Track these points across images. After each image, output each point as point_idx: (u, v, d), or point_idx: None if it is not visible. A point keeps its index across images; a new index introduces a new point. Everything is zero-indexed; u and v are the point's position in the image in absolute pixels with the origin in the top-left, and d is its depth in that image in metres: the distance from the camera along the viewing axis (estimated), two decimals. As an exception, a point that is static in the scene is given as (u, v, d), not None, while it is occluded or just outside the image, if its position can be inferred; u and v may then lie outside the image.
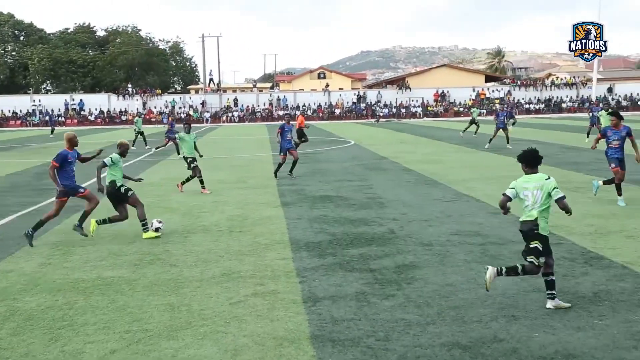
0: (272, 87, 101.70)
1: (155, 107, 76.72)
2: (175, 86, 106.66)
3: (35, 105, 75.42)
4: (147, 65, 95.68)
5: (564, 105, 75.57)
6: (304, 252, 9.31)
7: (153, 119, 73.24)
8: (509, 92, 78.56)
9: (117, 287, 7.73)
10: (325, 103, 77.77)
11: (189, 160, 16.16)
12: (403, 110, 75.53)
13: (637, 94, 76.25)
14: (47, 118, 73.29)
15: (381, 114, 71.60)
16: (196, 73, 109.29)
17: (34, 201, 14.80)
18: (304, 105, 76.86)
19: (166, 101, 77.55)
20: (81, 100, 77.46)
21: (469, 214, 12.00)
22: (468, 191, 14.85)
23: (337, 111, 75.90)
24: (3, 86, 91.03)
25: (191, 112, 75.25)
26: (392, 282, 7.67)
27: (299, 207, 13.33)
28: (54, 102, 76.92)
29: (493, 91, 79.70)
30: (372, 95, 79.98)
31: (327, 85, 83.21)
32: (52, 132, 49.18)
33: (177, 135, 17.55)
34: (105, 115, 74.61)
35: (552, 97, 77.56)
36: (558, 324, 6.08)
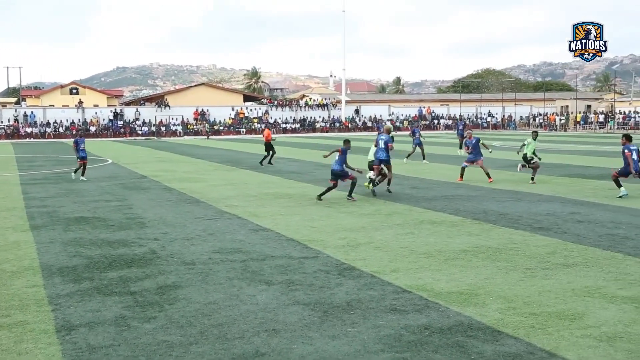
0: (17, 102, 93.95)
1: None
2: None
3: None
4: None
5: (317, 125, 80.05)
6: (57, 277, 8.72)
7: None
8: (267, 112, 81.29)
9: None
10: (79, 120, 73.83)
11: None
12: (163, 129, 74.41)
13: (380, 115, 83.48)
14: None
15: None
16: None
17: None
18: (55, 122, 72.18)
19: None
20: None
21: (230, 231, 12.16)
22: (229, 209, 15.05)
23: (93, 129, 72.44)
24: None
25: None
26: (153, 303, 7.49)
27: (51, 230, 12.47)
28: None
29: (251, 110, 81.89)
30: (130, 113, 77.66)
31: (81, 102, 79.11)
32: None
33: None
34: None
35: (307, 117, 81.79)
36: (315, 334, 6.39)
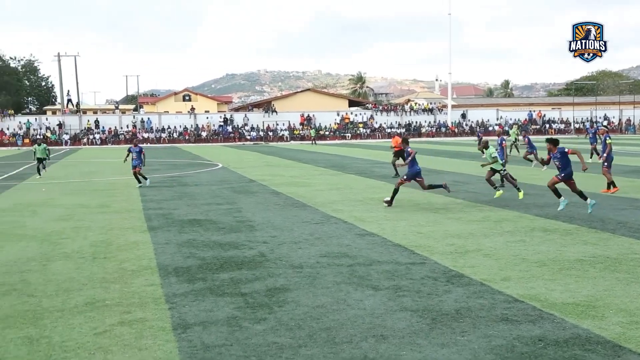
0: (135, 109, 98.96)
1: (7, 129, 72.22)
2: (30, 107, 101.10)
3: None
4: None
5: (423, 130, 79.30)
6: (172, 277, 9.09)
7: (6, 142, 68.94)
8: (372, 117, 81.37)
9: (-33, 322, 7.15)
10: (192, 125, 76.78)
11: None
12: (270, 134, 76.08)
13: (487, 120, 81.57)
14: None
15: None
16: (53, 93, 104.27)
17: None
18: (169, 128, 75.40)
19: (20, 122, 73.27)
20: None
21: (336, 235, 12.25)
22: (335, 213, 15.16)
23: (204, 134, 75.14)
24: None
25: (48, 134, 71.54)
26: (263, 305, 7.65)
27: (167, 231, 13.02)
28: None
29: (356, 115, 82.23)
30: (238, 118, 79.95)
31: (193, 108, 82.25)
32: None
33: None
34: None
35: (412, 122, 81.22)
36: (424, 342, 6.32)
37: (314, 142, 67.42)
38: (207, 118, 78.48)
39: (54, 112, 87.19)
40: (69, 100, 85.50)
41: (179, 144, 71.56)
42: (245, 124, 78.04)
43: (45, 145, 28.54)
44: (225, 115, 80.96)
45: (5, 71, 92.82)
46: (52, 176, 27.83)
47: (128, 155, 22.82)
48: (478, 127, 75.24)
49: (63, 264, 10.07)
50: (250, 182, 23.84)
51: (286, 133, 76.28)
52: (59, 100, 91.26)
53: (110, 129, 74.66)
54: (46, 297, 8.15)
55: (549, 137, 20.59)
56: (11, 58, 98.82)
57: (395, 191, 16.32)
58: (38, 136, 68.18)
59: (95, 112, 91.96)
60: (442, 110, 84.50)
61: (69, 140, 71.12)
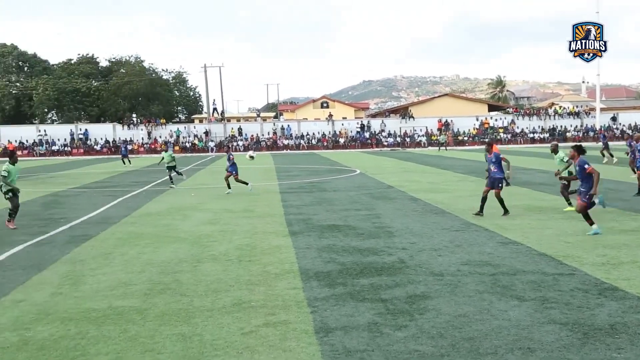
0: (275, 117, 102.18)
1: (160, 137, 77.07)
2: (180, 115, 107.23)
3: (41, 135, 75.83)
4: (151, 95, 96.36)
5: (568, 134, 75.69)
6: (314, 281, 9.27)
7: (158, 149, 73.59)
8: (513, 122, 78.79)
9: (128, 317, 7.70)
10: (329, 132, 78.07)
11: None
12: (407, 139, 75.76)
13: (641, 123, 76.38)
14: (53, 148, 73.76)
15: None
16: (200, 103, 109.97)
17: (42, 231, 14.79)
18: (308, 134, 77.15)
19: (170, 130, 77.93)
20: (86, 130, 77.88)
21: (478, 243, 11.96)
22: (476, 220, 14.82)
23: (341, 140, 76.16)
24: (9, 116, 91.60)
25: (196, 142, 75.56)
26: (404, 312, 7.62)
27: (307, 236, 13.31)
28: (60, 132, 77.32)
29: (496, 120, 79.95)
30: (375, 124, 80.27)
31: (331, 115, 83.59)
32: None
33: None
34: (111, 144, 74.90)
35: (556, 126, 77.73)
36: (575, 357, 6.02)
37: (443, 147, 65.83)
38: (342, 125, 79.41)
39: (200, 121, 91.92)
40: (215, 109, 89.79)
41: (317, 150, 72.99)
42: (382, 130, 78.23)
43: (171, 152, 27.86)
44: (362, 121, 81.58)
45: (158, 83, 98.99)
46: (200, 182, 29.35)
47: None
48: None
49: (211, 266, 10.57)
50: (388, 188, 23.84)
51: (423, 139, 75.61)
52: (205, 109, 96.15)
53: (252, 136, 77.54)
54: (197, 296, 8.60)
55: None
56: (163, 70, 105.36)
57: (483, 200, 15.64)
58: (187, 144, 72.17)
59: (238, 120, 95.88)
60: (589, 113, 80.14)
61: (214, 147, 74.66)
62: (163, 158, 27.88)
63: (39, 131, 77.14)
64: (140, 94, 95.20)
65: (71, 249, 12.32)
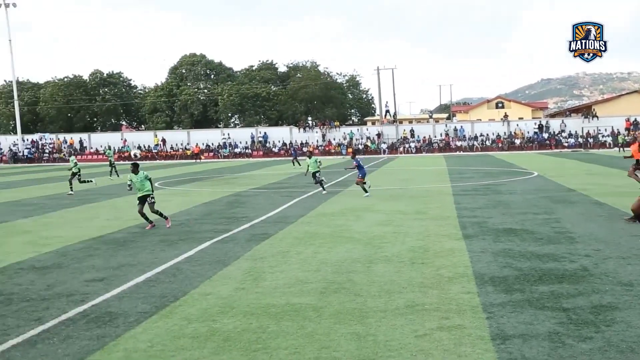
0: (448, 118, 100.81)
1: (334, 139, 79.05)
2: (353, 118, 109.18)
3: (225, 139, 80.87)
4: (326, 98, 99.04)
5: None
6: (489, 286, 9.01)
7: (332, 151, 75.53)
8: None
9: (305, 314, 7.96)
10: (505, 133, 75.56)
11: None
12: (591, 140, 71.33)
13: None
14: (236, 150, 78.37)
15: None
16: (372, 105, 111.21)
17: (226, 228, 15.72)
18: (482, 135, 75.22)
19: (344, 133, 79.63)
20: (265, 133, 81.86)
21: (673, 252, 10.97)
22: (670, 227, 13.61)
23: (517, 141, 73.41)
24: (197, 121, 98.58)
25: (368, 143, 76.57)
26: (588, 323, 7.17)
27: (482, 240, 12.96)
28: (241, 135, 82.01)
29: (695, 118, 72.84)
30: (555, 125, 76.44)
31: (506, 115, 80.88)
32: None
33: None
34: (288, 147, 78.12)
35: None
36: None
37: (622, 149, 60.91)
38: (518, 125, 76.45)
39: (373, 123, 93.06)
40: (387, 111, 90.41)
41: (491, 151, 70.97)
42: (562, 131, 74.30)
43: (315, 158, 25.92)
44: (540, 121, 78.07)
45: (333, 86, 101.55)
46: (372, 183, 29.70)
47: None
48: None
49: (384, 267, 10.64)
50: (569, 191, 22.60)
51: (609, 139, 70.75)
52: (377, 111, 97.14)
53: (424, 137, 77.08)
54: (370, 297, 8.69)
55: None
56: (337, 74, 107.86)
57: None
58: (360, 146, 73.36)
59: (410, 121, 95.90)
60: None
61: (386, 149, 75.19)
62: (309, 166, 25.49)
63: (223, 134, 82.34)
64: (316, 98, 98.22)
65: (252, 246, 13.00)
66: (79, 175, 28.42)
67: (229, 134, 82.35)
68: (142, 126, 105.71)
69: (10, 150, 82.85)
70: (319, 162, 25.70)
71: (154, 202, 16.24)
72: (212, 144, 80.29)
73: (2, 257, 12.54)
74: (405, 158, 63.70)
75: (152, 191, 16.45)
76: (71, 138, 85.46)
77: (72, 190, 27.61)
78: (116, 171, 40.05)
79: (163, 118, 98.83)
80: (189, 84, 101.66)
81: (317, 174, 24.85)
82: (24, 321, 8.02)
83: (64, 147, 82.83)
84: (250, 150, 78.65)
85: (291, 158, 52.63)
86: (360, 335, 7.05)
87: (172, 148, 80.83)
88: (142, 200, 16.22)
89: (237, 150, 79.03)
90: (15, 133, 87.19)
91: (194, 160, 72.09)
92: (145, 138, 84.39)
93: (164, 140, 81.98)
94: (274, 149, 78.37)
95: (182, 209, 20.44)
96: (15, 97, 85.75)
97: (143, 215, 16.18)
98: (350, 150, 46.41)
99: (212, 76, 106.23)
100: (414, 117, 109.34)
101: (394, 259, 11.32)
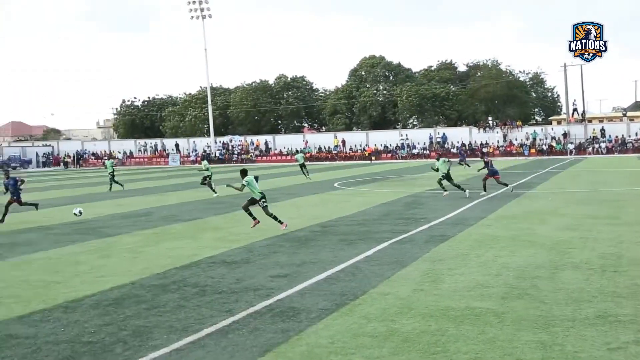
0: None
1: (515, 140, 76.19)
2: (536, 117, 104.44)
3: (403, 139, 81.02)
4: (507, 98, 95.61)
5: None
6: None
7: (514, 152, 72.91)
8: None
9: (485, 319, 7.74)
10: None
11: None
12: None
13: None
14: (414, 151, 78.31)
15: None
16: (558, 103, 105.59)
17: (404, 229, 15.73)
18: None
19: (527, 133, 76.44)
20: (444, 133, 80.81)
21: None
22: None
23: None
24: (375, 122, 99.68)
25: (553, 144, 72.89)
26: None
27: (685, 248, 11.82)
28: (419, 136, 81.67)
29: None
30: None
31: None
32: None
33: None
34: (467, 148, 76.52)
35: None
36: None
37: None
38: None
39: (558, 122, 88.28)
40: (575, 110, 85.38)
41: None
42: None
43: (446, 159, 25.32)
44: None
45: (515, 85, 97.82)
46: (558, 185, 28.23)
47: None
48: None
49: (571, 274, 10.06)
50: None
51: None
52: (564, 110, 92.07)
53: (616, 137, 71.82)
54: (556, 304, 8.26)
55: None
56: (520, 72, 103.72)
57: None
58: (543, 146, 69.91)
59: (600, 120, 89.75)
60: None
61: (573, 150, 71.06)
62: (439, 169, 24.44)
63: (401, 135, 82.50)
64: (497, 97, 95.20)
65: (430, 248, 12.88)
66: (210, 177, 29.47)
67: (407, 135, 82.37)
68: (323, 128, 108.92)
69: (204, 151, 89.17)
70: (449, 161, 25.19)
71: (266, 206, 16.74)
72: (390, 145, 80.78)
73: (197, 252, 13.53)
74: (594, 159, 59.78)
75: (264, 196, 16.82)
76: (257, 140, 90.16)
77: (215, 192, 28.68)
78: (117, 182, 34.72)
79: (343, 120, 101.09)
80: (368, 85, 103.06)
81: (449, 175, 24.12)
82: (216, 312, 8.59)
83: (251, 149, 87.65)
84: (428, 151, 78.10)
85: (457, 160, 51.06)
86: (546, 344, 6.71)
87: (350, 149, 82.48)
88: (253, 201, 16.81)
89: (414, 151, 78.81)
90: (209, 135, 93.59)
91: (369, 162, 73.09)
92: (325, 139, 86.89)
93: (343, 142, 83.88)
94: (452, 150, 77.17)
95: (360, 209, 20.77)
96: (210, 102, 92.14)
97: (247, 210, 16.86)
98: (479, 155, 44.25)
99: (391, 77, 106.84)
100: (605, 116, 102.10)
101: (583, 265, 10.67)
